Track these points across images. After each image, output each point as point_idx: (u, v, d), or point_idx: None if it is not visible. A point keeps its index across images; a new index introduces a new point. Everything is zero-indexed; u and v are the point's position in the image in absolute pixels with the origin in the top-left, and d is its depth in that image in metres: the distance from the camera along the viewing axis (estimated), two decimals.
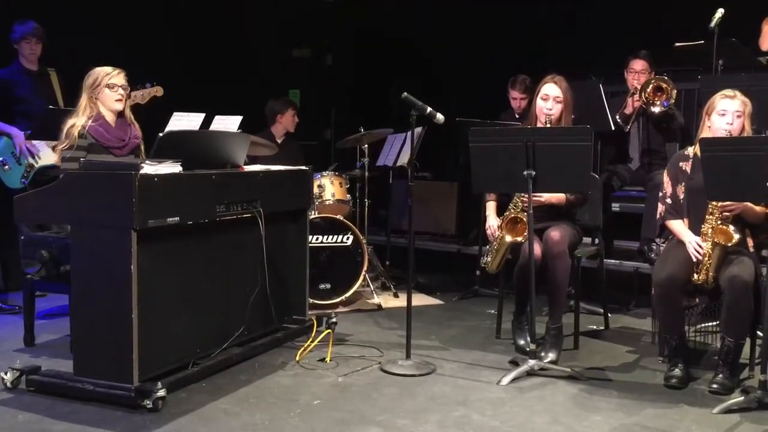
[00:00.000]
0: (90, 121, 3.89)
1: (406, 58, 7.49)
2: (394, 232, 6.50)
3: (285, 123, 5.94)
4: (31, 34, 5.03)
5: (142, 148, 4.10)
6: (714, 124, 3.65)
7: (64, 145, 3.85)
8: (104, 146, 3.91)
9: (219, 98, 5.52)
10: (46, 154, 4.97)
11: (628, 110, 5.09)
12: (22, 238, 4.02)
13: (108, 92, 3.93)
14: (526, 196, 3.71)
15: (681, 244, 3.68)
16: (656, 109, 4.90)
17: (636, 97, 4.99)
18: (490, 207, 4.27)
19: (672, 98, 4.86)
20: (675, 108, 5.00)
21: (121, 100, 3.98)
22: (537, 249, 3.84)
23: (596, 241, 4.71)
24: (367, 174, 5.60)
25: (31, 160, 4.91)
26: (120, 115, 4.04)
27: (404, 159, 5.72)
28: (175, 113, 4.54)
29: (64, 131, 3.88)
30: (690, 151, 3.80)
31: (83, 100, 3.93)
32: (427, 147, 5.69)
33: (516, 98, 5.68)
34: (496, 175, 3.78)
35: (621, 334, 4.58)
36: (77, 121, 3.87)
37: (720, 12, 4.80)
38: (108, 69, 3.95)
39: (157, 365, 3.33)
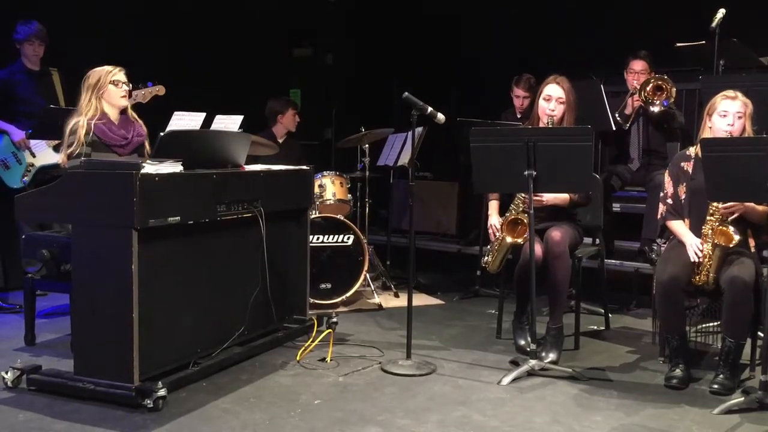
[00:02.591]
0: (94, 119, 3.88)
1: (407, 57, 7.49)
2: (395, 232, 6.50)
3: (286, 123, 5.94)
4: (34, 36, 5.03)
5: (147, 145, 4.08)
6: (715, 125, 3.65)
7: (72, 148, 3.81)
8: (107, 144, 3.90)
9: (220, 98, 5.53)
10: (46, 153, 4.97)
11: (628, 110, 5.09)
12: (23, 237, 4.02)
13: (113, 89, 3.93)
14: (527, 196, 3.71)
15: (682, 244, 3.68)
16: (655, 109, 4.90)
17: (636, 96, 5.00)
18: (493, 206, 4.28)
19: (672, 97, 4.86)
20: (675, 107, 5.00)
21: (125, 96, 3.99)
22: (538, 249, 3.84)
23: (597, 241, 4.71)
24: (367, 174, 5.60)
25: (30, 159, 4.92)
26: (122, 112, 4.04)
27: (405, 159, 5.72)
28: (176, 113, 4.55)
29: (68, 131, 3.85)
30: (691, 151, 3.80)
31: (85, 99, 3.92)
32: (427, 147, 5.70)
33: (519, 96, 5.67)
34: (497, 175, 3.78)
35: (621, 335, 4.58)
36: (81, 121, 3.85)
37: (721, 12, 4.80)
38: (108, 67, 3.95)
39: (158, 365, 3.33)
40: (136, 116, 4.10)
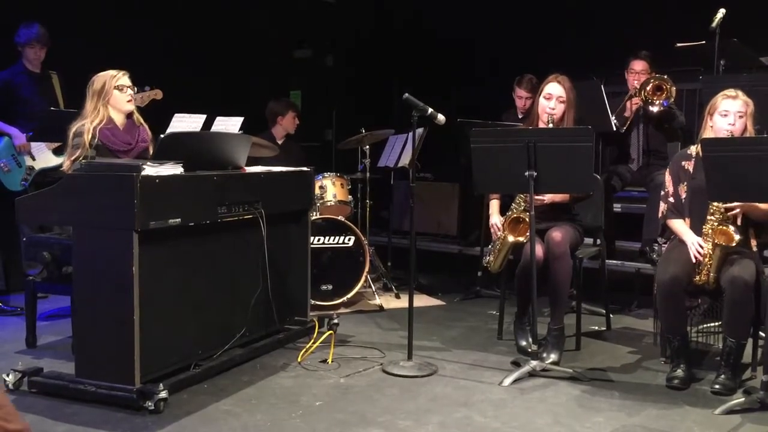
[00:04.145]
0: (100, 124, 3.86)
1: (407, 58, 7.49)
2: (396, 233, 6.50)
3: (285, 125, 5.93)
4: (36, 40, 5.04)
5: (151, 150, 4.05)
6: (716, 125, 3.64)
7: (78, 152, 3.77)
8: (111, 150, 3.88)
9: (220, 99, 5.53)
10: (46, 156, 4.98)
11: (627, 113, 5.08)
12: (24, 239, 4.02)
13: (118, 94, 3.91)
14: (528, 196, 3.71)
15: (683, 244, 3.68)
16: (655, 109, 4.89)
17: (634, 98, 4.99)
18: (494, 205, 4.29)
19: (671, 98, 4.86)
20: (675, 107, 5.00)
21: (131, 100, 3.97)
22: (538, 250, 3.84)
23: (598, 241, 4.71)
24: (368, 175, 5.60)
25: (30, 162, 4.92)
26: (128, 116, 4.02)
27: (406, 160, 5.72)
28: (176, 114, 4.53)
29: (72, 134, 3.83)
30: (692, 150, 3.80)
31: (91, 104, 3.89)
32: (428, 148, 5.70)
33: (522, 97, 5.67)
34: (497, 175, 3.78)
35: (623, 335, 4.57)
36: (86, 125, 3.83)
37: (721, 12, 4.80)
38: (113, 72, 3.93)
39: (159, 366, 3.34)
40: (142, 120, 4.09)
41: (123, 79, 3.93)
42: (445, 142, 5.66)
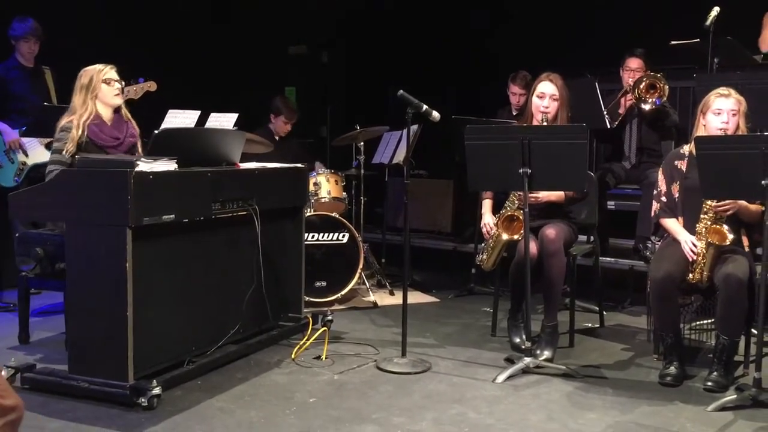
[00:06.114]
0: (88, 120, 3.85)
1: (402, 55, 7.49)
2: (390, 230, 6.48)
3: (276, 124, 5.87)
4: (31, 34, 5.01)
5: (140, 146, 4.04)
6: (709, 123, 3.65)
7: (59, 144, 3.77)
8: (99, 146, 3.86)
9: (214, 95, 5.52)
10: (39, 152, 4.95)
11: (621, 109, 5.09)
12: (17, 235, 4.00)
13: (106, 88, 3.88)
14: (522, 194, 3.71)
15: (676, 241, 3.69)
16: (647, 107, 4.90)
17: (628, 95, 5.00)
18: (486, 204, 4.29)
19: (664, 96, 4.87)
20: (669, 105, 5.01)
21: (119, 94, 3.95)
22: (532, 247, 3.85)
23: (591, 239, 4.71)
24: (363, 172, 5.59)
25: (22, 158, 4.90)
26: (116, 111, 4.00)
27: (400, 157, 5.72)
28: (170, 110, 4.52)
29: (59, 128, 3.82)
30: (685, 149, 3.81)
31: (78, 99, 3.86)
32: (423, 144, 5.69)
33: (516, 93, 5.67)
34: (492, 173, 3.78)
35: (616, 332, 4.59)
36: (75, 121, 3.80)
37: (715, 10, 4.80)
38: (100, 66, 3.90)
39: (153, 363, 3.33)
40: (129, 116, 4.06)
41: (110, 72, 3.90)
42: (440, 139, 5.66)
